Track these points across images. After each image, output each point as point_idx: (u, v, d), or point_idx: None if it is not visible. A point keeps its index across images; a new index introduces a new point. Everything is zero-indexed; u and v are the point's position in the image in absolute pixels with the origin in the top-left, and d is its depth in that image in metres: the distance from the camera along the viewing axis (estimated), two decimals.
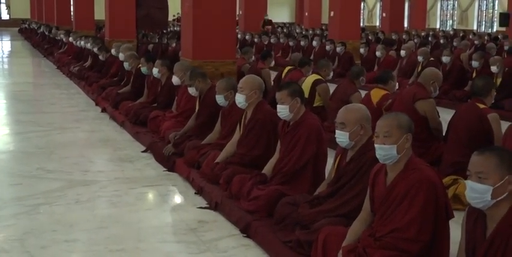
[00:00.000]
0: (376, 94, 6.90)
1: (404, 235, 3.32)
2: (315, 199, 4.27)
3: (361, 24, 27.84)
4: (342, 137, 4.06)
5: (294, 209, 4.29)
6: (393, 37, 19.30)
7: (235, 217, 4.77)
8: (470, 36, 21.14)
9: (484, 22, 31.26)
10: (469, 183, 2.86)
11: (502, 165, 2.80)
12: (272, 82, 9.79)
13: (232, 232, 4.63)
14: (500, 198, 2.80)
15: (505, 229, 2.78)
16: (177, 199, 5.68)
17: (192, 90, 6.73)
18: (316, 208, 4.17)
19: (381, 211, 3.51)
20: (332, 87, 8.19)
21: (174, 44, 16.13)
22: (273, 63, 10.44)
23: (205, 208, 5.17)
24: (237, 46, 16.99)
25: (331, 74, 8.59)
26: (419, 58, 12.08)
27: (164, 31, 21.93)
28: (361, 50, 14.67)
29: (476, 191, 2.82)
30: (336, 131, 4.09)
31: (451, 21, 33.28)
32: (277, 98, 4.86)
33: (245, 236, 4.51)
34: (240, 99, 5.50)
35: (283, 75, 9.44)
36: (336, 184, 4.15)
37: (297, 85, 5.06)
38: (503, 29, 24.93)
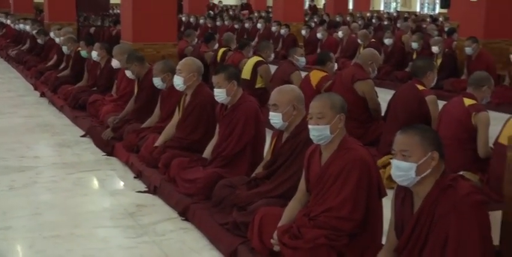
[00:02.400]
0: (315, 76, 6.93)
1: (338, 214, 3.34)
2: (252, 181, 4.28)
3: (306, 6, 27.90)
4: (275, 118, 4.05)
5: (231, 192, 4.29)
6: (337, 19, 19.38)
7: (173, 200, 4.75)
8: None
9: (426, 4, 31.72)
10: (394, 161, 2.90)
11: (424, 142, 2.85)
12: None
13: (171, 215, 4.61)
14: (424, 174, 2.85)
15: (430, 205, 2.83)
16: (116, 183, 5.61)
17: (129, 74, 6.64)
18: (253, 189, 4.18)
19: (315, 191, 3.53)
20: (274, 69, 8.18)
21: (116, 27, 15.84)
22: (216, 46, 10.34)
23: (144, 192, 5.13)
24: (182, 29, 16.89)
25: (272, 55, 8.58)
26: (359, 40, 12.18)
27: (107, 14, 21.48)
28: (303, 32, 14.71)
29: (401, 169, 2.86)
30: (270, 112, 4.08)
31: (394, 3, 33.63)
32: (214, 82, 4.82)
33: (183, 220, 4.50)
34: (178, 81, 5.43)
35: (218, 56, 9.35)
36: (272, 166, 4.15)
37: (233, 68, 5.03)
38: (445, 10, 25.34)
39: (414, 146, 2.86)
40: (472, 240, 2.71)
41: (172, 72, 5.68)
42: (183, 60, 5.65)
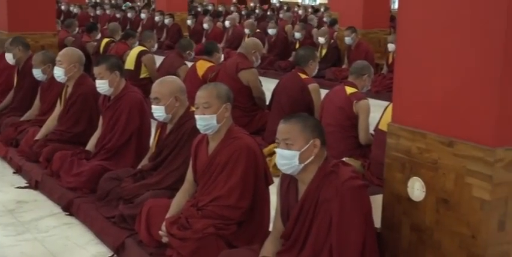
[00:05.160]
0: (202, 66, 6.92)
1: (225, 203, 3.36)
2: (138, 173, 4.21)
3: None
4: (158, 111, 4.01)
5: (117, 184, 4.20)
6: (220, 9, 19.43)
7: (56, 195, 4.60)
8: (295, 9, 21.83)
9: None
10: (278, 150, 2.94)
11: (305, 130, 2.91)
12: None
13: (54, 210, 4.46)
14: (307, 162, 2.91)
15: (313, 191, 2.90)
16: None
17: (9, 57, 6.31)
18: (140, 181, 4.11)
19: (203, 181, 3.52)
20: (160, 60, 8.09)
21: None
22: (99, 36, 10.09)
23: (24, 187, 4.93)
24: (61, 18, 16.33)
25: (156, 45, 8.49)
26: (246, 30, 12.28)
27: None
28: (189, 22, 14.63)
29: (285, 158, 2.91)
30: (152, 106, 4.03)
31: None
32: (96, 73, 4.70)
33: (67, 215, 4.37)
34: (58, 73, 5.25)
35: (101, 47, 9.13)
36: (158, 157, 4.10)
37: (115, 58, 4.92)
38: (325, 1, 25.99)
39: (296, 134, 2.91)
40: (354, 223, 2.79)
41: (53, 63, 5.48)
42: (63, 50, 5.48)
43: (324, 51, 10.68)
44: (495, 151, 2.58)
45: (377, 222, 3.10)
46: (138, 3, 23.56)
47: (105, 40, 9.22)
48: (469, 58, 2.69)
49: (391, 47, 9.44)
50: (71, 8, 19.46)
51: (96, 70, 4.70)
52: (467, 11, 2.69)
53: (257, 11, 20.70)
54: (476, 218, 2.66)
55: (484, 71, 2.63)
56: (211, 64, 6.93)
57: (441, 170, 2.80)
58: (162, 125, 4.18)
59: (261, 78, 6.70)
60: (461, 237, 2.73)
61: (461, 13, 2.72)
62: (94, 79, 5.33)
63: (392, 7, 15.76)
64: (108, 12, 18.71)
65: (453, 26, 2.75)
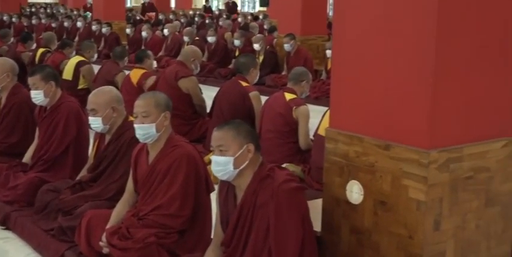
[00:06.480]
0: (135, 74, 6.89)
1: (166, 211, 3.34)
2: (77, 184, 4.13)
3: (129, 5, 27.55)
4: (95, 122, 3.96)
5: (55, 196, 4.12)
6: (160, 17, 19.33)
7: None
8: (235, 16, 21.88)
9: (247, 2, 32.60)
10: (213, 157, 2.97)
11: (238, 136, 2.94)
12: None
13: None
14: (242, 167, 2.94)
15: (250, 196, 2.92)
16: None
17: None
18: (78, 193, 4.04)
19: (144, 190, 3.50)
20: (98, 69, 7.99)
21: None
22: (34, 45, 9.91)
23: None
24: None
25: (96, 55, 8.39)
26: (185, 38, 12.25)
27: None
28: (128, 31, 14.51)
29: (220, 164, 2.93)
30: (89, 117, 3.98)
31: (216, 1, 34.20)
32: (30, 83, 4.61)
33: (4, 229, 4.26)
34: None
35: (36, 57, 8.96)
36: (97, 169, 4.04)
37: (50, 68, 4.84)
38: (265, 9, 26.18)
39: (229, 140, 2.94)
40: (291, 225, 2.82)
41: None
42: None
43: (261, 58, 10.75)
44: (429, 153, 2.65)
45: (318, 226, 3.14)
46: (75, 12, 23.15)
47: (41, 50, 9.06)
48: (402, 63, 2.75)
49: (329, 53, 9.56)
50: (5, 18, 19.02)
51: (30, 80, 4.61)
52: (400, 16, 2.76)
53: (196, 19, 20.66)
54: (413, 219, 2.72)
55: (416, 76, 2.70)
56: (144, 71, 6.92)
57: (378, 173, 2.86)
58: (100, 136, 4.12)
59: (202, 86, 6.70)
60: (399, 238, 2.79)
61: (394, 18, 2.79)
62: (29, 89, 5.23)
63: (330, 14, 16.00)
64: (43, 21, 18.37)
65: (386, 31, 2.82)
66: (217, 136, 2.97)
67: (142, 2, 20.20)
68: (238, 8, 31.18)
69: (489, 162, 2.85)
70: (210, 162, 5.19)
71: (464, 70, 2.74)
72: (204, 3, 27.46)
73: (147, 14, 20.33)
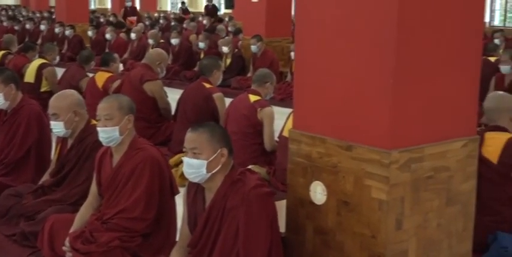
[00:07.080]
0: (101, 77, 6.83)
1: (130, 215, 3.32)
2: (39, 189, 4.09)
3: (93, 7, 27.32)
4: (57, 127, 3.92)
5: (17, 201, 4.07)
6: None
7: None
8: (200, 19, 21.84)
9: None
10: (185, 159, 2.95)
11: (213, 139, 2.93)
12: None
13: None
14: (215, 171, 2.93)
15: (220, 199, 2.92)
16: None
17: None
18: (41, 198, 3.99)
19: (108, 194, 3.47)
20: (61, 72, 7.91)
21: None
22: None
23: None
24: None
25: (58, 58, 8.31)
26: (150, 41, 12.19)
27: None
28: (90, 33, 14.38)
29: (193, 167, 2.92)
30: (51, 122, 3.94)
31: (181, 3, 34.05)
32: None
33: None
34: None
35: None
36: (59, 173, 4.01)
37: (9, 71, 4.78)
38: (230, 11, 26.19)
39: (204, 144, 2.92)
40: (260, 230, 2.83)
41: None
42: None
43: (228, 61, 10.75)
44: (390, 153, 2.69)
45: (282, 227, 3.16)
46: (38, 15, 22.84)
47: (1, 52, 8.94)
48: (363, 64, 2.79)
49: (294, 55, 9.60)
50: None
51: None
52: (360, 17, 2.79)
53: (161, 21, 20.56)
54: (376, 219, 2.75)
55: (377, 77, 2.73)
56: (110, 74, 6.86)
57: (341, 173, 2.89)
58: (62, 140, 4.08)
59: (167, 88, 6.67)
60: (362, 237, 2.81)
61: (354, 20, 2.82)
62: None
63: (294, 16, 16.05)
64: (5, 24, 18.10)
65: (347, 32, 2.85)
66: (191, 138, 2.95)
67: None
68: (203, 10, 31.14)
69: (449, 162, 2.90)
70: (175, 164, 5.29)
71: (425, 71, 2.78)
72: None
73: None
